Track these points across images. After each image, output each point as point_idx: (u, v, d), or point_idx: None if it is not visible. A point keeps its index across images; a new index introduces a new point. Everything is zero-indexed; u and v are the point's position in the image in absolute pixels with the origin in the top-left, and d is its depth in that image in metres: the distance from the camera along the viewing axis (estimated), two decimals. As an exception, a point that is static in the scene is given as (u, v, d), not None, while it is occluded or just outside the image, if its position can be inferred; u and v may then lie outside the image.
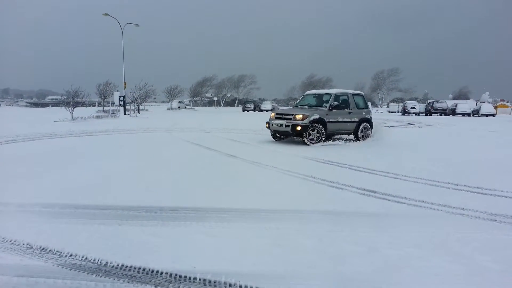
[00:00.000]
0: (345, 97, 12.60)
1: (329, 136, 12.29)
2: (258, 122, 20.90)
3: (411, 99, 69.02)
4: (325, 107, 12.01)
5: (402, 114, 44.83)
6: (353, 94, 12.89)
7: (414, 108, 44.60)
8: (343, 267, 3.08)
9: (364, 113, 13.00)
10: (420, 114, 44.20)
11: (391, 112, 57.93)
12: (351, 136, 13.13)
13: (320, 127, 11.53)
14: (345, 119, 12.38)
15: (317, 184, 6.03)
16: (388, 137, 13.20)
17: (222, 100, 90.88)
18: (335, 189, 5.68)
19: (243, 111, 53.13)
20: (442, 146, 11.71)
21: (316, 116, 11.54)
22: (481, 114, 39.81)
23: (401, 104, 55.10)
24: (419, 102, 55.13)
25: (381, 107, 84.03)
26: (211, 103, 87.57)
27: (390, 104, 68.37)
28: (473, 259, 3.25)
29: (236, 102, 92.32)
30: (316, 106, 12.40)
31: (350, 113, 12.49)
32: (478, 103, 50.35)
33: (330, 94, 12.46)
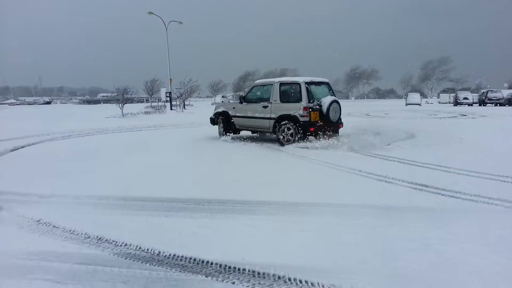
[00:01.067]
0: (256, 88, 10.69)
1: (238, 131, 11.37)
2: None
3: (463, 89, 65.71)
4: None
5: (454, 105, 42.79)
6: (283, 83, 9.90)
7: (466, 98, 42.37)
8: (395, 263, 3.00)
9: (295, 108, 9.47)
10: (474, 104, 41.96)
11: (442, 103, 55.49)
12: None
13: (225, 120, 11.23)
14: (262, 115, 10.18)
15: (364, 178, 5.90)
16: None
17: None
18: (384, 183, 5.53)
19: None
20: (497, 138, 11.06)
21: (220, 109, 11.54)
22: (541, 104, 37.17)
23: (453, 94, 52.61)
24: (471, 92, 52.32)
25: (431, 98, 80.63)
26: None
27: (440, 94, 65.45)
28: (536, 257, 3.06)
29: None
30: (260, 98, 10.43)
31: (265, 107, 10.14)
32: (537, 92, 47.05)
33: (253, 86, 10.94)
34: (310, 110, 9.24)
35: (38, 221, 4.05)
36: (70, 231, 3.75)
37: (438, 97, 65.90)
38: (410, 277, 2.77)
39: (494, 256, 3.07)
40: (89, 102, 77.24)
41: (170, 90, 34.03)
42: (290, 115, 9.40)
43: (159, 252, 3.23)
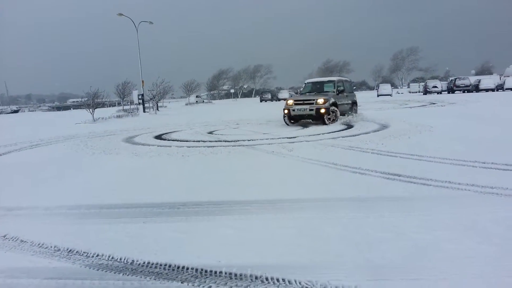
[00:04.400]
0: (341, 83, 14.69)
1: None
2: (276, 111, 20.77)
3: (432, 78, 67.39)
4: (333, 92, 13.98)
5: (423, 94, 43.83)
6: (344, 81, 15.30)
7: (436, 86, 43.50)
8: (371, 254, 3.01)
9: (353, 97, 15.85)
10: (443, 92, 43.08)
11: (412, 92, 56.75)
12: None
13: (335, 109, 13.27)
14: (346, 102, 14.60)
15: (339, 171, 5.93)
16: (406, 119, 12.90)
17: (239, 92, 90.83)
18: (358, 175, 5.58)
19: (261, 101, 53.03)
20: (466, 125, 11.36)
21: (332, 100, 13.25)
22: (506, 89, 38.51)
23: (422, 83, 53.86)
24: (440, 80, 53.71)
25: (402, 87, 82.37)
26: (228, 95, 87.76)
27: (410, 84, 66.93)
28: (506, 239, 3.13)
29: (253, 92, 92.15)
30: (319, 92, 14.35)
31: (347, 96, 14.83)
32: (502, 77, 48.73)
33: (332, 81, 14.61)
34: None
35: (4, 236, 3.87)
36: (38, 244, 3.60)
37: (408, 87, 67.36)
38: (386, 267, 2.78)
39: (466, 241, 3.13)
40: (58, 108, 75.28)
41: (142, 92, 33.52)
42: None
43: (133, 260, 3.14)
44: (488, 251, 2.94)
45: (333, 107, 13.12)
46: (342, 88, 14.39)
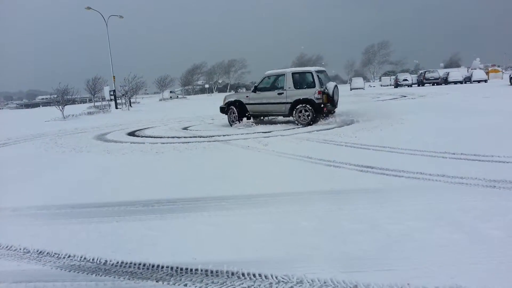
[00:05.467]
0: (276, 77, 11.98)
1: (255, 117, 12.48)
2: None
3: (403, 71, 68.91)
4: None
5: (395, 87, 44.71)
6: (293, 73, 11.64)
7: (406, 80, 44.46)
8: (345, 246, 3.05)
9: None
10: (413, 85, 44.07)
11: (383, 85, 57.78)
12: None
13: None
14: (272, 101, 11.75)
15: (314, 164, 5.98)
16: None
17: (214, 87, 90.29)
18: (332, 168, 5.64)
19: (236, 96, 52.77)
20: (436, 117, 11.66)
21: (232, 99, 12.56)
22: (473, 81, 39.71)
23: (393, 77, 54.92)
24: (411, 73, 54.96)
25: (374, 81, 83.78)
26: (203, 90, 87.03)
27: (382, 77, 68.13)
28: (475, 228, 3.22)
29: (228, 87, 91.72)
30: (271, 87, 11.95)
31: (280, 94, 11.61)
32: (469, 70, 50.25)
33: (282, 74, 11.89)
34: (322, 93, 11.00)
35: (-31, 240, 3.72)
36: (6, 247, 3.47)
37: (380, 80, 68.58)
38: (361, 259, 2.82)
39: (438, 231, 3.21)
40: (27, 106, 72.89)
41: (114, 88, 32.80)
42: (306, 98, 11.06)
43: (106, 260, 3.07)
44: (458, 239, 3.02)
45: (233, 108, 12.28)
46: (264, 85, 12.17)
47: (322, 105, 10.97)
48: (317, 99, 10.95)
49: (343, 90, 44.15)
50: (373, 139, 7.86)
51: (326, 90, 11.21)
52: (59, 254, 3.24)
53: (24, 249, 3.40)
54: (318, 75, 11.27)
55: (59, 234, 3.72)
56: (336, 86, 11.83)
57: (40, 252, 3.32)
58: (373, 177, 5.00)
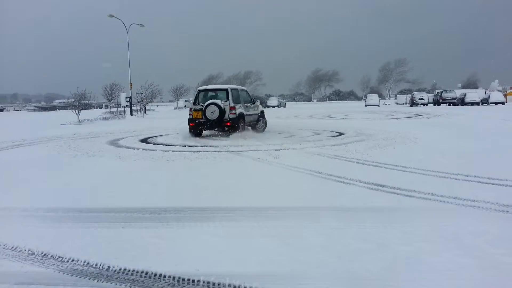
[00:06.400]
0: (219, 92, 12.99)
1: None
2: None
3: (419, 90, 68.33)
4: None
5: (410, 106, 44.37)
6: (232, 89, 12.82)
7: (422, 99, 44.08)
8: (352, 264, 2.98)
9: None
10: (429, 104, 43.68)
11: (399, 103, 57.45)
12: None
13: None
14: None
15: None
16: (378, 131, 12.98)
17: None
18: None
19: (250, 107, 52.93)
20: (451, 137, 11.50)
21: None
22: (491, 103, 39.22)
23: (409, 95, 54.54)
24: (427, 92, 54.46)
25: (389, 99, 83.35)
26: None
27: (397, 95, 67.76)
28: (486, 252, 3.13)
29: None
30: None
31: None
32: (487, 91, 49.65)
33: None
34: (193, 110, 12.50)
35: (-24, 238, 3.75)
36: (11, 248, 3.49)
37: (396, 98, 68.19)
38: (366, 279, 2.75)
39: (446, 254, 3.12)
40: (44, 108, 74.05)
41: (130, 95, 33.21)
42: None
43: (109, 266, 3.05)
44: (467, 264, 2.94)
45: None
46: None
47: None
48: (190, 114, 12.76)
49: (357, 107, 43.98)
50: (386, 157, 7.76)
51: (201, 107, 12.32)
52: (62, 258, 3.24)
53: (29, 250, 3.41)
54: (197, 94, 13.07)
55: (64, 237, 3.72)
56: (212, 104, 12.10)
57: (45, 254, 3.33)
58: (383, 196, 4.92)
